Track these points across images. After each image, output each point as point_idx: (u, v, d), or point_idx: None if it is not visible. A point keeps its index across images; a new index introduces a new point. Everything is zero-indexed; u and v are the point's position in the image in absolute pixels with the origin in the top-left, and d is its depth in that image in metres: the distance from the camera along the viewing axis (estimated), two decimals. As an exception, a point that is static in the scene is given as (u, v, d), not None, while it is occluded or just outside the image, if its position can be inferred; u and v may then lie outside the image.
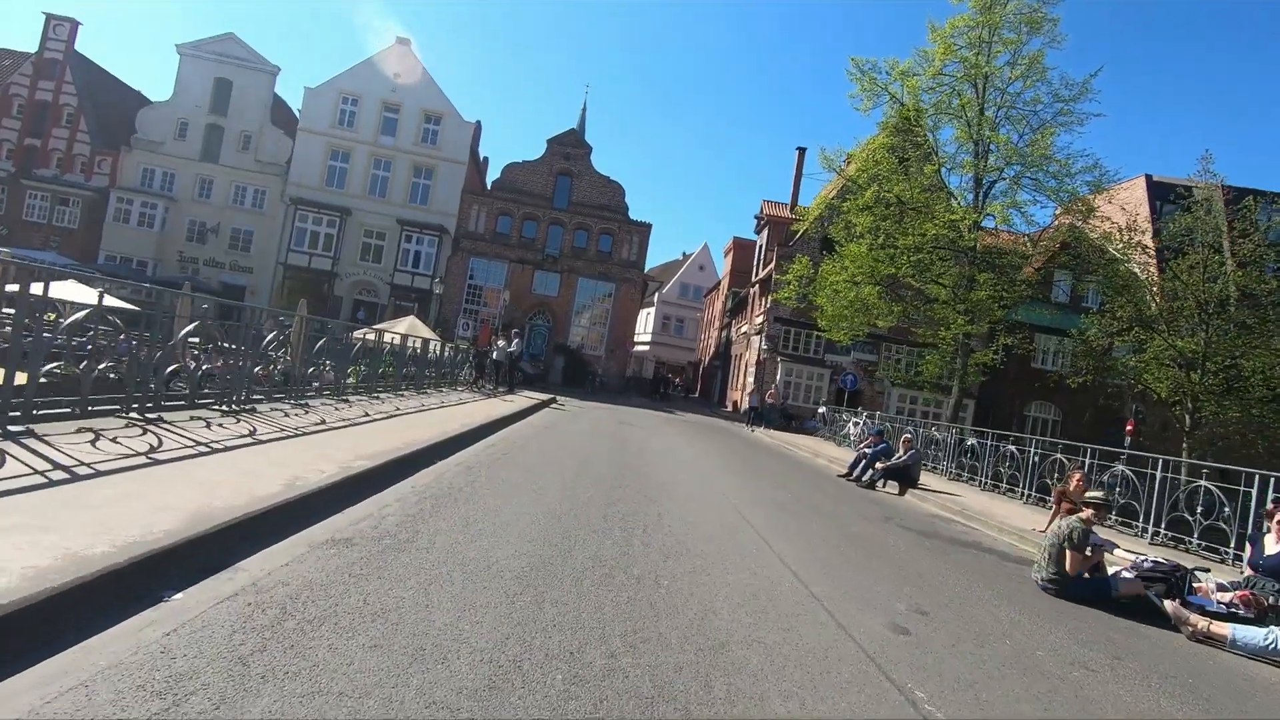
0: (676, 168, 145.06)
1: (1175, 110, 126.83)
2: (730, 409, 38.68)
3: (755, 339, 34.81)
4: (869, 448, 12.00)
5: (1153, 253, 23.68)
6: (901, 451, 11.31)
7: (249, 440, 5.68)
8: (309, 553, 3.57)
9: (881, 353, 31.52)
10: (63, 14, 34.31)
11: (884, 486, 11.26)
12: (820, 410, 24.97)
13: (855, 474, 11.76)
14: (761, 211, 38.52)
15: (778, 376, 32.13)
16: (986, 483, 12.34)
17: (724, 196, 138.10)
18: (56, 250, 30.91)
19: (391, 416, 9.44)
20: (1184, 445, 21.97)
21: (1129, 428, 23.80)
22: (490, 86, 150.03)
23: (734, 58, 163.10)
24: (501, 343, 19.55)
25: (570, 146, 36.85)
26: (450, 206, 35.74)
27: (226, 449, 5.16)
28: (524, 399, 18.05)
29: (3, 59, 36.19)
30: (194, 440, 5.27)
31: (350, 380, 12.17)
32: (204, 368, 7.79)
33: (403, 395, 12.94)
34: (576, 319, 36.74)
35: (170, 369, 7.09)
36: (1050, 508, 8.80)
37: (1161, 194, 34.33)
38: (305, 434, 6.60)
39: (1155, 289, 23.26)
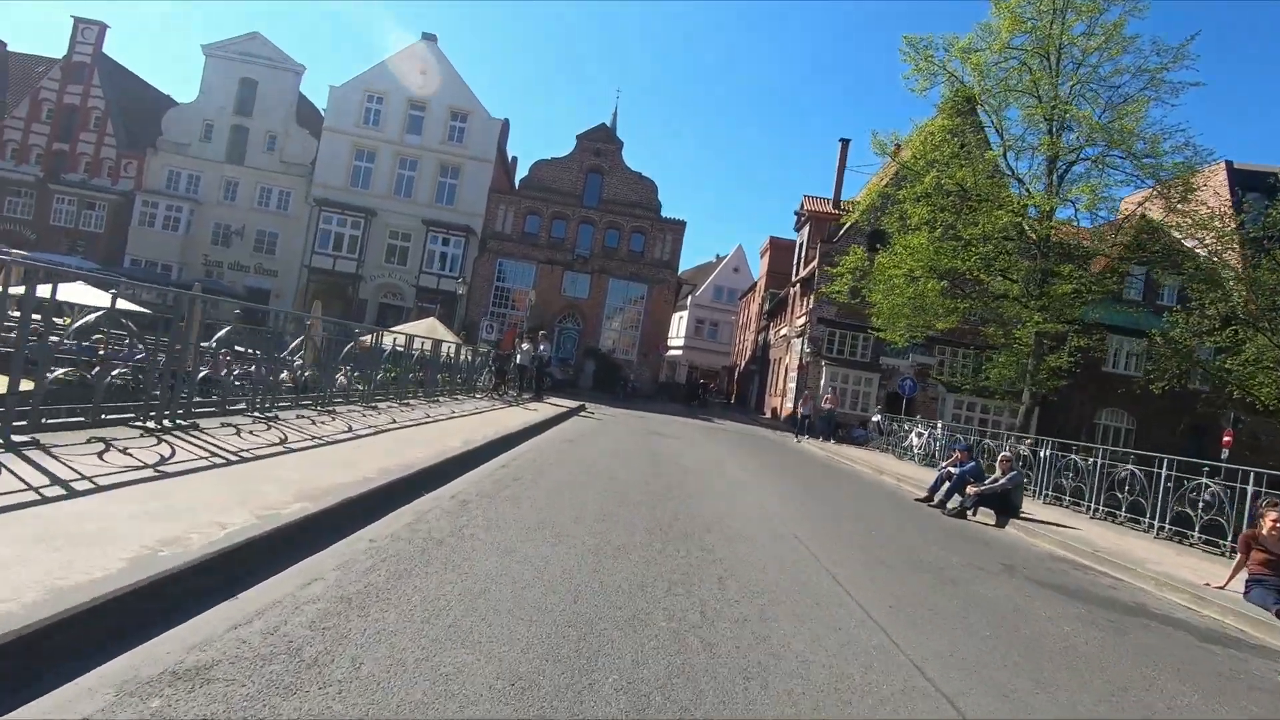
0: (709, 169, 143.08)
1: (1258, 88, 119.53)
2: (769, 416, 36.65)
3: (796, 342, 32.78)
4: (954, 466, 10.05)
5: (1237, 246, 20.96)
6: (999, 473, 9.35)
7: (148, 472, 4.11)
8: None
9: (935, 355, 29.24)
10: (91, 18, 34.09)
11: (974, 514, 9.31)
12: (874, 419, 22.86)
13: (938, 498, 9.84)
14: (802, 207, 36.48)
15: (822, 381, 30.05)
16: (1098, 510, 10.28)
17: (758, 198, 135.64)
18: (81, 254, 30.48)
19: (383, 431, 7.87)
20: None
21: (1226, 439, 21.16)
22: (519, 88, 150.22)
23: (765, 55, 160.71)
24: (526, 345, 18.00)
25: (601, 142, 35.35)
26: (477, 206, 34.52)
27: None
28: (550, 406, 16.46)
29: (35, 66, 36.20)
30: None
31: (359, 387, 10.67)
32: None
33: (408, 404, 11.41)
34: (607, 322, 35.16)
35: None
36: (1232, 557, 6.81)
37: (1245, 182, 31.34)
38: (243, 459, 5.01)
39: (1244, 285, 20.47)
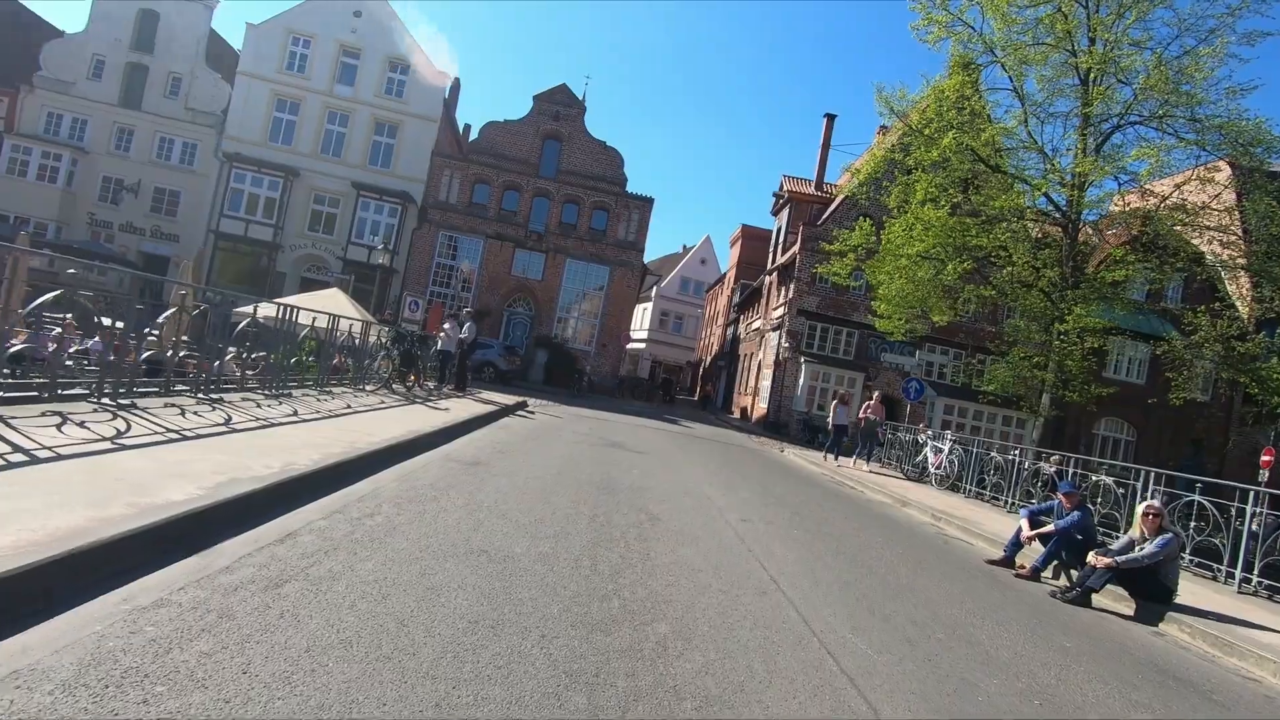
0: (676, 157, 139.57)
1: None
2: (738, 416, 33.42)
3: (772, 335, 29.56)
4: (1057, 518, 6.71)
5: (1243, 247, 18.09)
6: (1140, 532, 5.98)
7: None
8: None
9: (938, 354, 26.24)
10: (-42, -74, 28.76)
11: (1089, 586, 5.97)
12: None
13: (1032, 566, 6.50)
14: (781, 188, 33.25)
15: (800, 380, 26.88)
16: (1251, 583, 7.07)
17: (728, 187, 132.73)
18: (-72, 205, 25.35)
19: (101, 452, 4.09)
20: (1337, 482, 16.80)
21: (1266, 458, 18.49)
22: (476, 52, 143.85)
23: (737, 35, 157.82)
24: (448, 326, 14.20)
25: (560, 105, 31.48)
26: (418, 171, 30.33)
27: None
28: (474, 404, 12.72)
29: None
30: None
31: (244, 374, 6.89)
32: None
33: (284, 396, 7.58)
34: (563, 307, 31.38)
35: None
36: None
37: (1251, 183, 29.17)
38: None
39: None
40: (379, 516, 4.45)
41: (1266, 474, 18.78)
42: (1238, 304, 25.65)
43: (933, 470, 13.34)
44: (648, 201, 31.66)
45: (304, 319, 10.39)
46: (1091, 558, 5.96)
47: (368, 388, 10.91)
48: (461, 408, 11.29)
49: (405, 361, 11.96)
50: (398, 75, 30.46)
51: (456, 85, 36.91)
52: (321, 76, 29.88)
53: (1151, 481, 8.34)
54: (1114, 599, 5.98)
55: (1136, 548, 5.92)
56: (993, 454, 12.16)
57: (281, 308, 9.83)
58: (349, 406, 8.55)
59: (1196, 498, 8.04)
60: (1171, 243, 16.28)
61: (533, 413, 14.99)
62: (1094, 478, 9.87)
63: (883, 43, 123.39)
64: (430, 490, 5.47)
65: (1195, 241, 17.23)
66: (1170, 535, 5.78)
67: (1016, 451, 11.80)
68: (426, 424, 8.32)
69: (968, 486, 12.54)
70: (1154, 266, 16.31)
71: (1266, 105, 53.45)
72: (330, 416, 7.65)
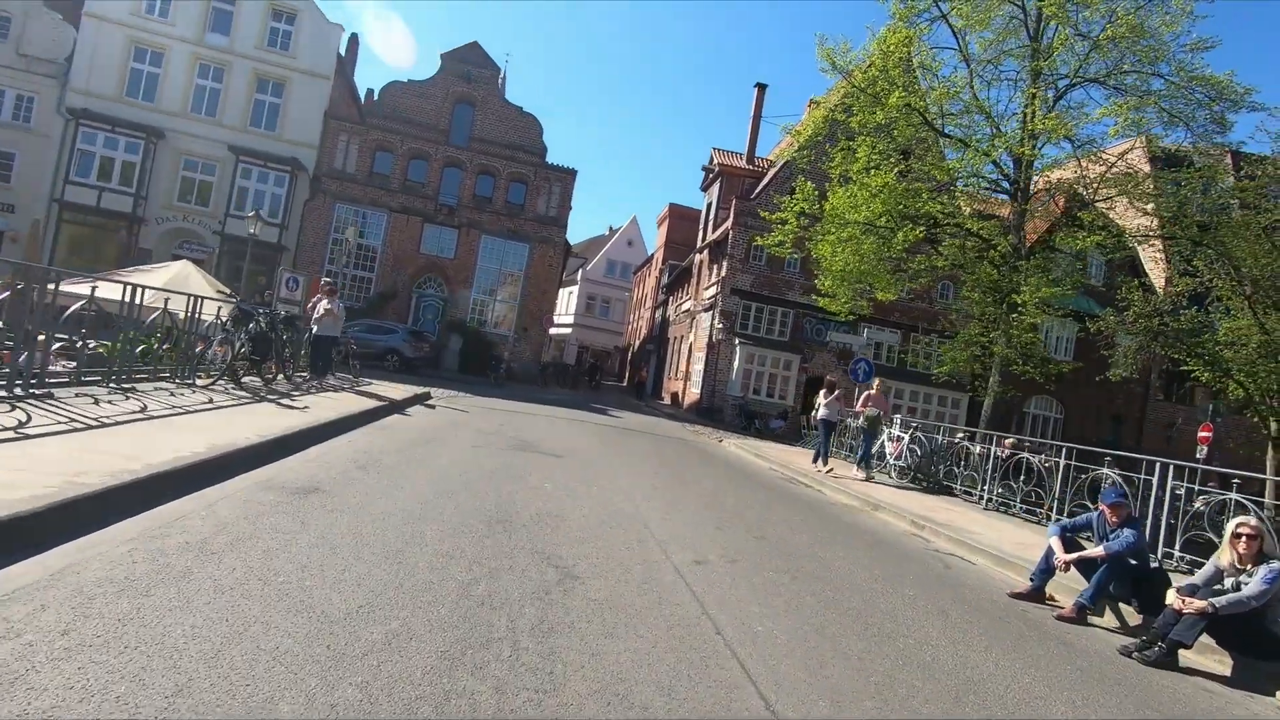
0: (599, 136, 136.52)
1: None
2: (669, 402, 31.78)
3: (704, 317, 27.96)
4: (1100, 537, 5.12)
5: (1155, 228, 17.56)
6: (1233, 561, 4.41)
7: None
8: None
9: (870, 330, 25.21)
10: None
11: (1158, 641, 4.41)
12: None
13: (1078, 604, 4.89)
14: (712, 161, 31.58)
15: (734, 363, 25.40)
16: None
17: (654, 167, 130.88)
18: None
19: None
20: (1269, 458, 16.63)
21: (1205, 434, 18.26)
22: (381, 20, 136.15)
23: (658, 6, 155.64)
24: (326, 304, 11.63)
25: (472, 65, 28.59)
26: (308, 135, 26.85)
27: None
28: (355, 399, 10.29)
29: None
30: None
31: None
32: None
33: (90, 393, 5.06)
34: (479, 288, 28.70)
35: None
36: None
37: (1166, 162, 29.70)
38: None
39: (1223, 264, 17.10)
40: (26, 636, 2.24)
41: (1205, 450, 18.67)
42: (1155, 282, 25.99)
43: (891, 461, 11.89)
44: (570, 173, 29.30)
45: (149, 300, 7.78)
46: (1174, 598, 4.36)
47: (197, 381, 8.32)
48: (329, 406, 8.88)
49: (258, 348, 9.37)
50: (282, 25, 26.76)
51: (355, 43, 33.29)
52: (189, 22, 25.85)
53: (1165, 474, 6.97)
54: (1200, 651, 4.41)
55: (1226, 579, 4.36)
56: (963, 441, 10.78)
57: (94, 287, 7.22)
58: (144, 412, 6.08)
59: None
60: (1098, 218, 15.42)
61: (433, 406, 12.65)
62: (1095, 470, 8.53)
63: (817, 12, 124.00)
64: (186, 555, 3.25)
65: (1114, 216, 16.61)
66: (1278, 565, 4.22)
67: (989, 440, 10.42)
68: (255, 433, 5.97)
69: (930, 478, 11.15)
70: (1107, 238, 15.41)
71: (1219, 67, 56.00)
72: (100, 426, 5.22)
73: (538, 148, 29.00)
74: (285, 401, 8.51)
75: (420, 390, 14.21)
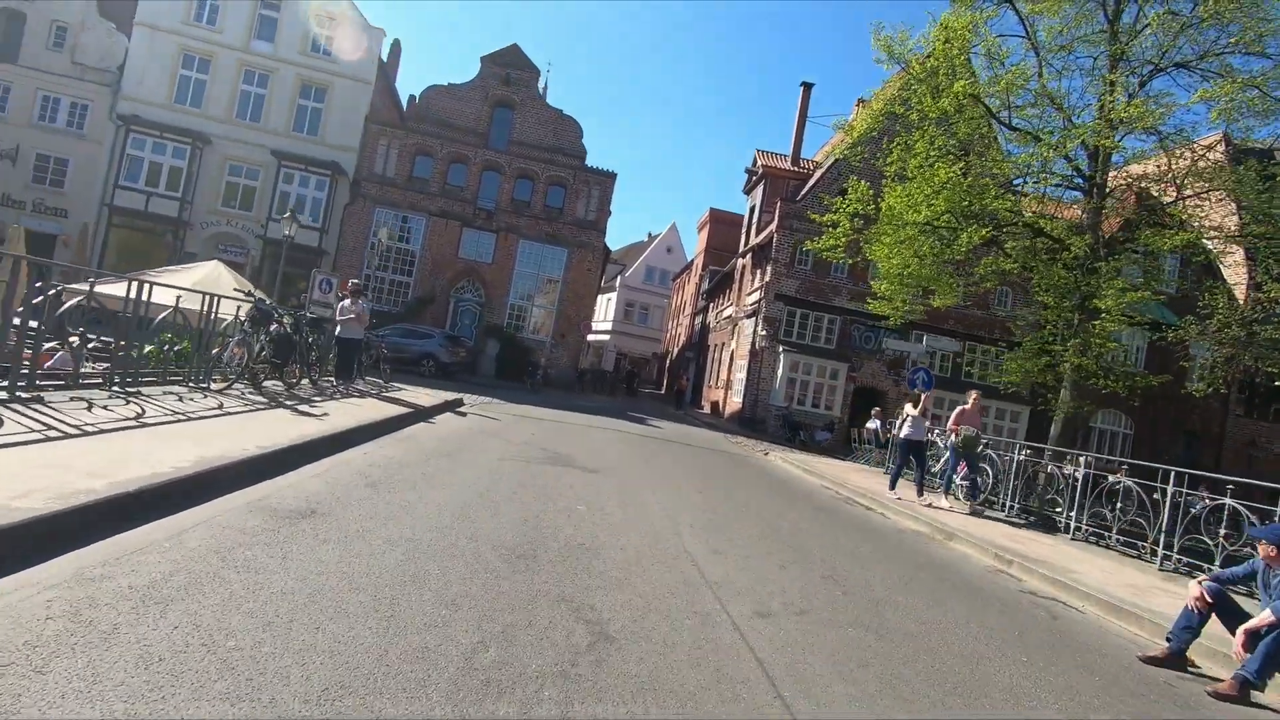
0: (640, 143, 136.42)
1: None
2: (709, 411, 30.85)
3: (746, 323, 26.99)
4: (1266, 590, 4.12)
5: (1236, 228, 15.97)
6: None
7: None
8: None
9: (929, 338, 23.92)
10: None
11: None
12: (871, 425, 17.06)
13: (1240, 677, 3.89)
14: (755, 164, 30.64)
15: (779, 371, 24.36)
16: None
17: (695, 173, 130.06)
18: None
19: None
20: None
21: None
22: (422, 30, 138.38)
23: (702, 11, 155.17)
24: (348, 303, 11.13)
25: (512, 68, 28.29)
26: (349, 139, 26.86)
27: None
28: (381, 406, 9.73)
29: None
30: None
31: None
32: None
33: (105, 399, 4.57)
34: (517, 293, 28.28)
35: None
36: None
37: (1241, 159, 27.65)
38: None
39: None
40: None
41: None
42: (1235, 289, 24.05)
43: (959, 481, 10.79)
44: (609, 176, 28.72)
45: (166, 299, 7.38)
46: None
47: (212, 385, 7.82)
48: (349, 413, 8.30)
49: (279, 351, 8.87)
50: (325, 31, 26.87)
51: (397, 49, 33.40)
52: (236, 29, 26.14)
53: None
54: None
55: None
56: (1048, 464, 9.65)
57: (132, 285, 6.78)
58: (138, 416, 5.53)
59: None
60: (1188, 215, 14.07)
61: (464, 414, 12.05)
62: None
63: (861, 10, 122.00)
64: (121, 606, 2.57)
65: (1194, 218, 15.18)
66: None
67: (1080, 461, 9.28)
68: (256, 444, 5.36)
69: (1006, 503, 10.04)
70: (1198, 236, 14.03)
71: None
72: (79, 435, 4.66)
73: (577, 150, 28.50)
74: (303, 408, 7.95)
75: (452, 396, 13.66)
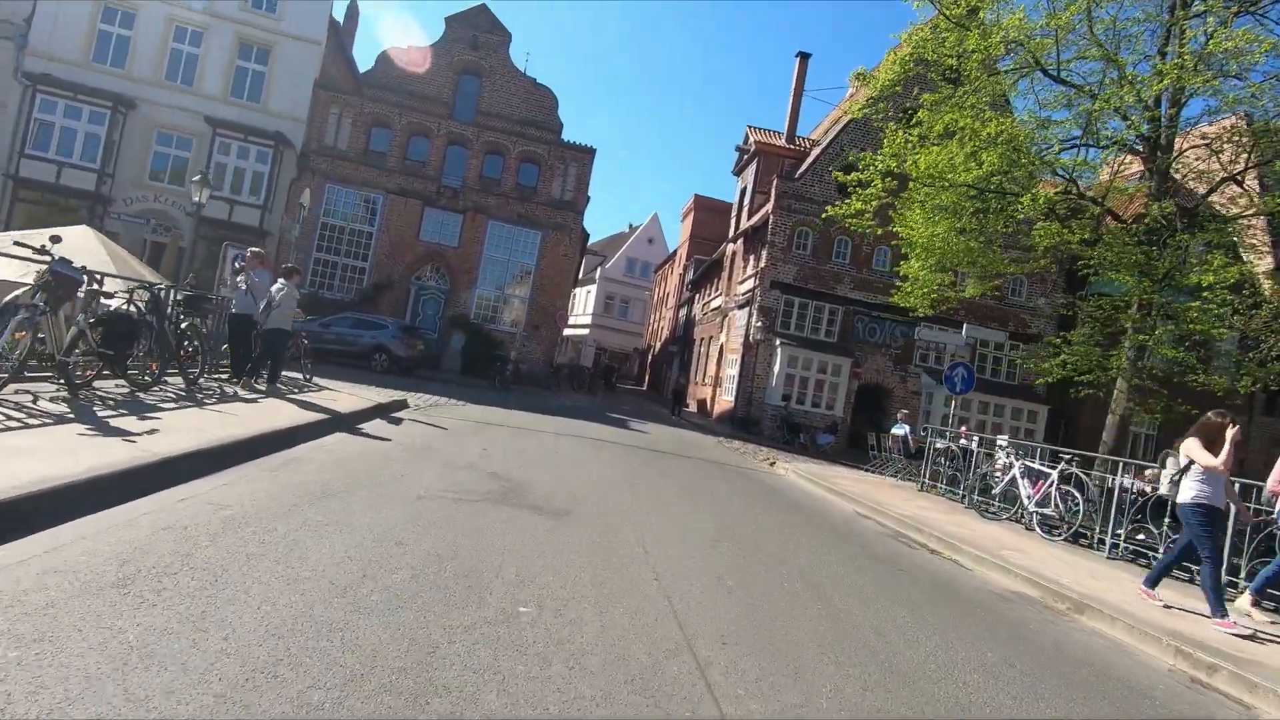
0: (618, 128, 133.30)
1: None
2: (695, 410, 28.43)
3: (738, 314, 24.60)
4: None
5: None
6: None
7: None
8: None
9: (970, 327, 21.67)
10: None
11: None
12: (898, 430, 14.60)
13: None
14: (747, 141, 28.20)
15: (775, 366, 22.01)
16: None
17: (677, 161, 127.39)
18: None
19: None
20: None
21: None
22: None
23: (694, 15, 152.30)
24: (281, 282, 8.51)
25: (481, 30, 25.52)
26: (296, 107, 23.93)
27: None
28: (285, 410, 7.11)
29: None
30: None
31: None
32: None
33: None
34: (485, 279, 25.57)
35: None
36: None
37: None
38: None
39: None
40: None
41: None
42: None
43: (1031, 508, 8.43)
44: (588, 152, 26.09)
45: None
46: None
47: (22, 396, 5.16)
48: (206, 425, 5.70)
49: (112, 339, 6.23)
50: (268, -17, 23.89)
51: (355, 10, 30.39)
52: (164, -21, 23.07)
53: None
54: None
55: None
56: (1155, 488, 7.32)
57: None
58: None
59: None
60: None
61: (399, 420, 9.46)
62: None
63: None
64: None
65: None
66: None
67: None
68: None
69: (1102, 537, 7.72)
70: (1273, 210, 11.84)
71: None
72: None
73: (553, 124, 25.84)
74: (127, 421, 5.33)
75: (394, 397, 11.06)
